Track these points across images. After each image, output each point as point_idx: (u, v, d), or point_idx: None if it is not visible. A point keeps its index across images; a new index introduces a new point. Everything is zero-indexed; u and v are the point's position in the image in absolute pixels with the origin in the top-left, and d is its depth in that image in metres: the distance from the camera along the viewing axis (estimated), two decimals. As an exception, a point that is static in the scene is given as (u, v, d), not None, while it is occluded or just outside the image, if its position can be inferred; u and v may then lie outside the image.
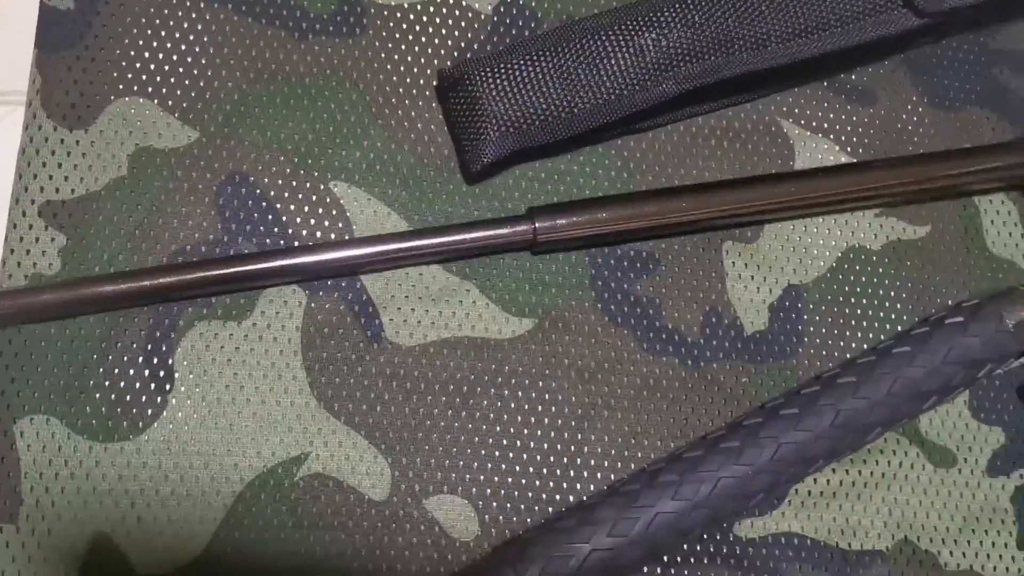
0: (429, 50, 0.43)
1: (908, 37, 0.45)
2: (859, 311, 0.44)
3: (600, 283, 0.42)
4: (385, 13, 0.43)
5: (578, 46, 0.40)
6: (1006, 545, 0.42)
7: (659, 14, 0.40)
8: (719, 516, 0.38)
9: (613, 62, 0.40)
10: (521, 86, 0.39)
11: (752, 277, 0.43)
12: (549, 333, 0.41)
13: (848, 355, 0.43)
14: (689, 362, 0.42)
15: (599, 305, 0.42)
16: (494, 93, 0.39)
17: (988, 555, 0.42)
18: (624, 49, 0.40)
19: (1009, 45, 0.48)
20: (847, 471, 0.41)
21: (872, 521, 0.41)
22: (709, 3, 0.41)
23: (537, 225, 0.40)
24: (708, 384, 0.42)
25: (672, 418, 0.41)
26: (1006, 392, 0.44)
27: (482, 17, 0.44)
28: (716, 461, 0.38)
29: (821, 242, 0.44)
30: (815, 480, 0.41)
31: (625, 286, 0.42)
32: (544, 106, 0.39)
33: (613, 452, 0.40)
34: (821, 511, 0.41)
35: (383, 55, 0.42)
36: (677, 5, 0.41)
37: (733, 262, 0.43)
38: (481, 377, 0.40)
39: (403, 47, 0.43)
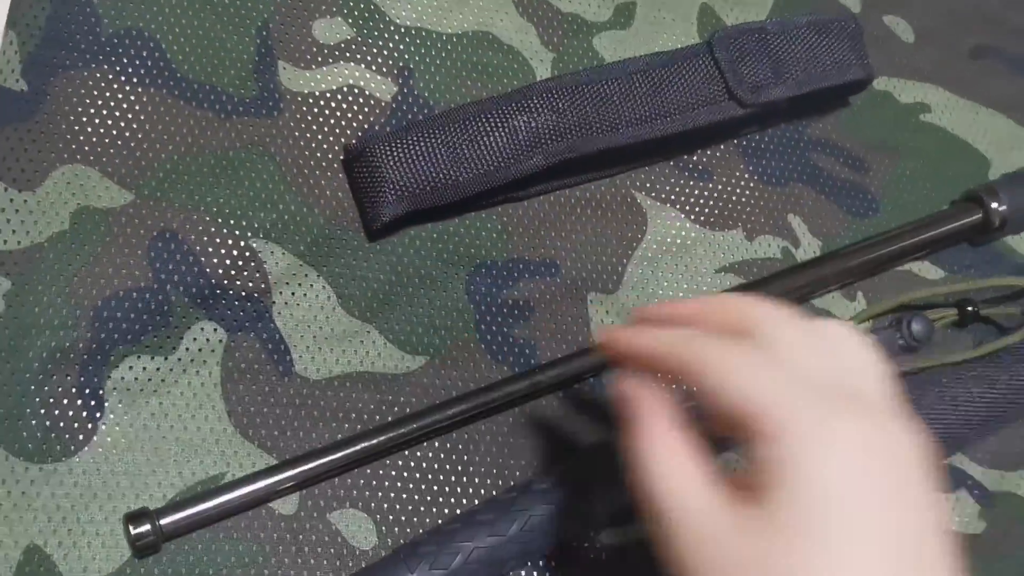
0: (336, 130, 0.50)
1: (738, 125, 0.55)
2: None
3: (483, 326, 0.49)
4: (299, 99, 0.50)
5: (463, 126, 0.48)
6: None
7: (529, 100, 0.48)
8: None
9: (491, 139, 0.48)
10: (414, 158, 0.47)
11: (613, 322, 0.50)
12: (439, 369, 0.48)
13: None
14: (560, 394, 0.49)
15: (483, 345, 0.49)
16: (391, 163, 0.47)
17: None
18: (500, 129, 0.48)
19: (820, 132, 0.58)
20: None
21: None
22: (572, 92, 0.49)
23: None
24: (579, 410, 0.49)
25: (545, 440, 0.48)
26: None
27: (383, 104, 0.51)
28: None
29: (671, 293, 0.52)
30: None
31: (505, 329, 0.49)
32: (434, 175, 0.47)
33: (495, 470, 0.47)
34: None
35: (296, 133, 0.49)
36: (545, 94, 0.49)
37: (596, 310, 0.51)
38: (380, 407, 0.46)
39: (314, 127, 0.50)
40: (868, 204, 0.57)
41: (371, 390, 0.46)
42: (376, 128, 0.50)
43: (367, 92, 0.51)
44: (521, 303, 0.50)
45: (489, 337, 0.49)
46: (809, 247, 0.55)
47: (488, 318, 0.49)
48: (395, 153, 0.47)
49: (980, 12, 0.64)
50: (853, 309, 0.54)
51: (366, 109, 0.51)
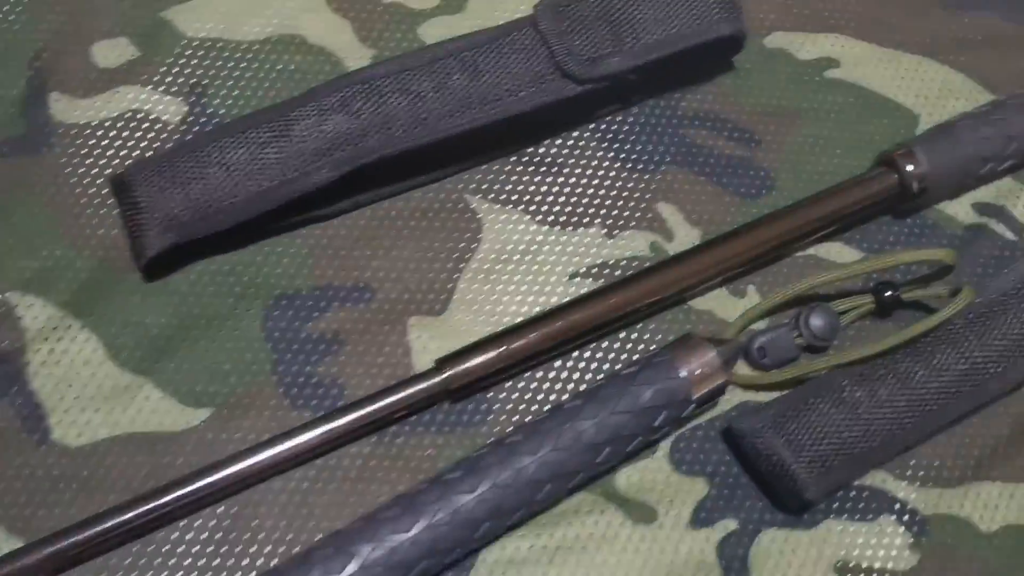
0: (115, 161, 0.45)
1: (590, 107, 0.47)
2: (552, 372, 0.44)
3: (282, 367, 0.42)
4: (72, 131, 0.45)
5: (237, 140, 0.42)
6: (712, 600, 0.41)
7: (319, 101, 0.42)
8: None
9: (271, 150, 0.41)
10: (182, 181, 0.41)
11: (438, 348, 0.43)
12: (226, 422, 0.41)
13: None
14: (373, 439, 0.42)
15: (280, 389, 0.42)
16: (154, 190, 0.41)
17: (693, 611, 0.40)
18: (280, 139, 0.42)
19: (698, 105, 0.49)
20: (538, 535, 0.41)
21: (568, 586, 0.40)
22: (369, 88, 0.43)
23: (448, 374, 0.41)
24: (392, 460, 0.42)
25: (354, 496, 0.41)
26: (709, 442, 0.43)
27: (171, 127, 0.46)
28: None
29: (513, 308, 0.45)
30: (503, 548, 0.40)
31: (308, 368, 0.43)
32: (205, 198, 0.41)
33: (289, 536, 0.40)
34: (511, 581, 0.40)
35: (68, 169, 0.44)
36: (334, 93, 0.42)
37: (419, 336, 0.43)
38: (155, 472, 0.40)
39: (88, 160, 0.45)
40: (761, 181, 0.48)
41: (144, 452, 0.40)
42: (161, 155, 0.45)
43: (152, 116, 0.46)
44: (329, 336, 0.43)
45: (289, 379, 0.42)
46: (686, 239, 0.47)
47: (288, 357, 0.43)
48: (158, 177, 0.41)
49: (900, -57, 0.55)
50: (743, 307, 0.46)
51: (151, 135, 0.46)
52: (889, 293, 0.45)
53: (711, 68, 0.50)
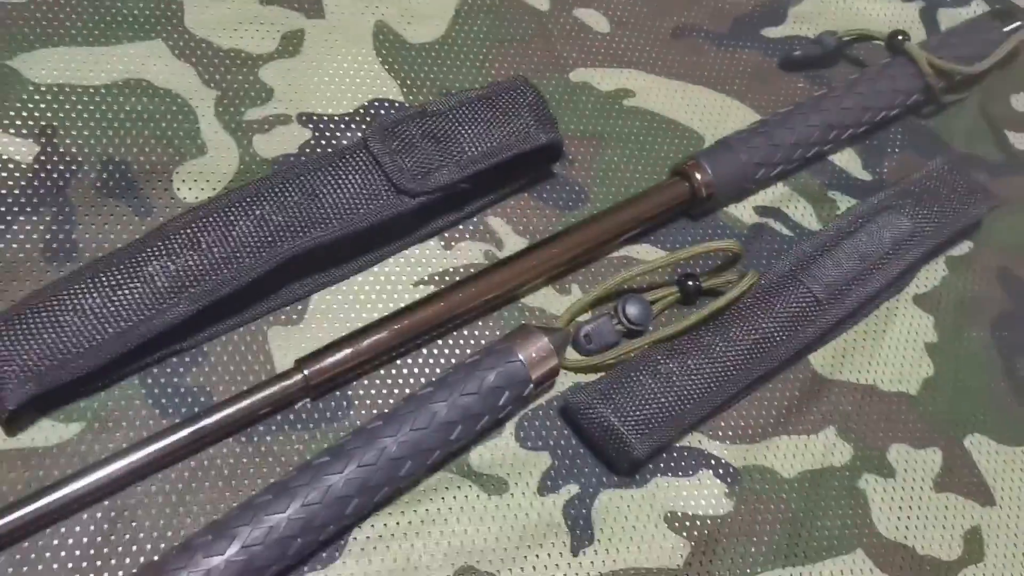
0: (-30, 200, 0.46)
1: (426, 217, 0.52)
2: (404, 368, 0.48)
3: (149, 379, 0.45)
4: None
5: (90, 283, 0.42)
6: (561, 555, 0.46)
7: (168, 241, 0.44)
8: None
9: (125, 291, 0.43)
10: (35, 330, 0.41)
11: (300, 355, 0.47)
12: (99, 433, 0.43)
13: (396, 409, 0.46)
14: (243, 439, 0.45)
15: (150, 400, 0.45)
16: (7, 342, 0.41)
17: (545, 566, 0.45)
18: (135, 279, 0.43)
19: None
20: (403, 512, 0.45)
21: (432, 556, 0.44)
22: (215, 222, 0.45)
23: (307, 372, 0.44)
24: (263, 456, 0.45)
25: (229, 492, 0.43)
26: (548, 419, 0.49)
27: (23, 166, 0.48)
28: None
29: (364, 315, 0.49)
30: (372, 525, 0.44)
31: (175, 379, 0.45)
32: (62, 346, 0.41)
33: (169, 534, 0.42)
34: (381, 554, 0.44)
35: (-79, 209, 0.46)
36: (183, 230, 0.44)
37: (279, 344, 0.47)
38: (28, 487, 0.42)
39: (-58, 200, 0.46)
40: (576, 195, 0.55)
41: (18, 468, 0.42)
42: (16, 192, 0.47)
43: (4, 157, 0.48)
44: (192, 350, 0.46)
45: (157, 390, 0.45)
46: (515, 247, 0.53)
47: (155, 370, 0.45)
48: (9, 330, 0.41)
49: (676, -6, 0.64)
50: (568, 303, 0.52)
51: (3, 175, 0.47)
52: (691, 283, 0.53)
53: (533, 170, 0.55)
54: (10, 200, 0.47)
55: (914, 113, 0.64)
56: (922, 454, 0.53)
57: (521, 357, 0.46)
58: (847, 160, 0.61)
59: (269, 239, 0.45)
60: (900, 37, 0.62)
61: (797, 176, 0.60)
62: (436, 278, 0.51)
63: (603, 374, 0.50)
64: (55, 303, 0.42)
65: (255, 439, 0.45)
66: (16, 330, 0.42)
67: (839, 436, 0.52)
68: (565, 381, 0.50)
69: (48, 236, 0.47)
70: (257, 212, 0.46)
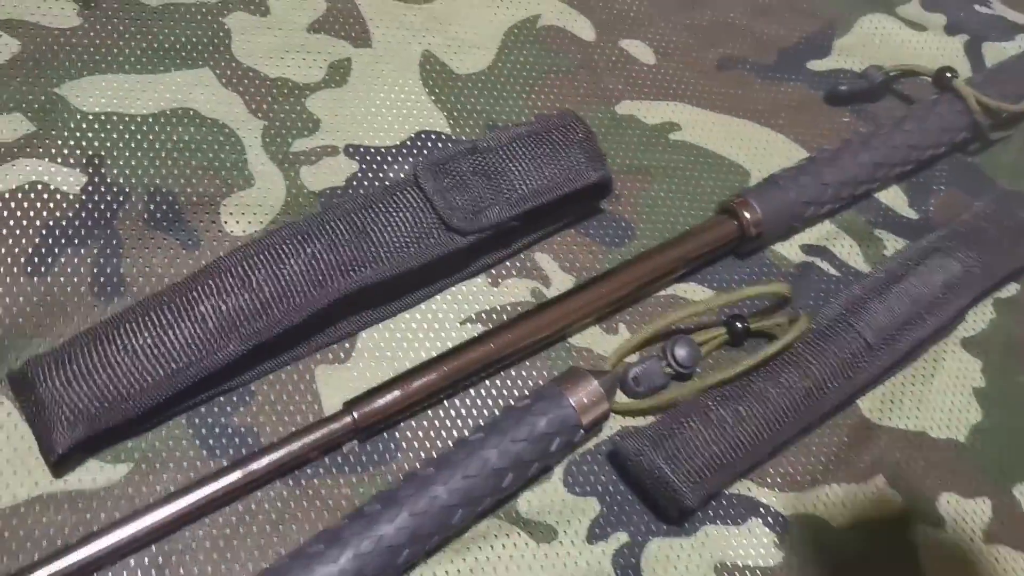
0: (17, 231, 0.46)
1: (475, 255, 0.51)
2: (452, 409, 0.47)
3: (197, 419, 0.44)
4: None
5: (141, 322, 0.42)
6: (610, 605, 0.45)
7: (219, 279, 0.43)
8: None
9: (177, 332, 0.42)
10: (85, 371, 0.41)
11: (345, 397, 0.46)
12: (147, 475, 0.43)
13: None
14: (290, 483, 0.44)
15: (197, 441, 0.44)
16: (58, 384, 0.40)
17: (595, 617, 0.44)
18: (185, 319, 0.42)
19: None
20: (452, 561, 0.44)
21: (482, 604, 0.43)
22: (266, 259, 0.44)
23: (356, 415, 0.44)
24: (310, 500, 0.44)
25: (277, 538, 0.43)
26: (597, 465, 0.48)
27: (70, 197, 0.47)
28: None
29: (412, 354, 0.48)
30: (422, 573, 0.43)
31: (223, 419, 0.45)
32: (112, 387, 0.41)
33: (208, 574, 0.41)
34: (428, 605, 0.43)
35: (-33, 241, 0.45)
36: (235, 268, 0.44)
37: (327, 383, 0.46)
38: (76, 531, 0.41)
39: (-11, 232, 0.45)
40: (623, 231, 0.54)
41: (65, 511, 0.41)
42: (66, 232, 0.46)
43: (52, 187, 0.47)
44: (240, 388, 0.45)
45: (204, 430, 0.44)
46: (562, 285, 0.52)
47: (202, 410, 0.44)
48: (60, 371, 0.41)
49: (723, 25, 0.63)
50: (617, 343, 0.51)
51: (51, 205, 0.47)
52: (739, 324, 0.52)
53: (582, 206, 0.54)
54: (58, 232, 0.46)
55: (960, 150, 0.63)
56: (971, 504, 0.52)
57: (572, 402, 0.45)
58: (893, 198, 0.60)
59: (320, 278, 0.45)
60: (948, 74, 0.61)
61: (843, 213, 0.59)
62: (483, 316, 0.50)
63: (652, 418, 0.49)
64: (106, 343, 0.42)
65: (303, 482, 0.44)
66: (67, 371, 0.41)
67: (889, 485, 0.51)
68: (613, 425, 0.49)
69: (96, 269, 0.46)
70: (308, 250, 0.45)
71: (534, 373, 0.49)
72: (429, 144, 0.53)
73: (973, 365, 0.56)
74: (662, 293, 0.53)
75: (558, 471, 0.47)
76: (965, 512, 0.52)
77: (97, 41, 0.51)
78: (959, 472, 0.53)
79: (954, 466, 0.53)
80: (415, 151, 0.53)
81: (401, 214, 0.47)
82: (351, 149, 0.52)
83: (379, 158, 0.52)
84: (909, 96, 0.64)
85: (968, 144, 0.63)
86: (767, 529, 0.48)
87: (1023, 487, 0.54)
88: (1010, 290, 0.59)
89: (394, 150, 0.53)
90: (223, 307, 0.43)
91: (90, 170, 0.48)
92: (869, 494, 0.51)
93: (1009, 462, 0.54)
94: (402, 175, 0.52)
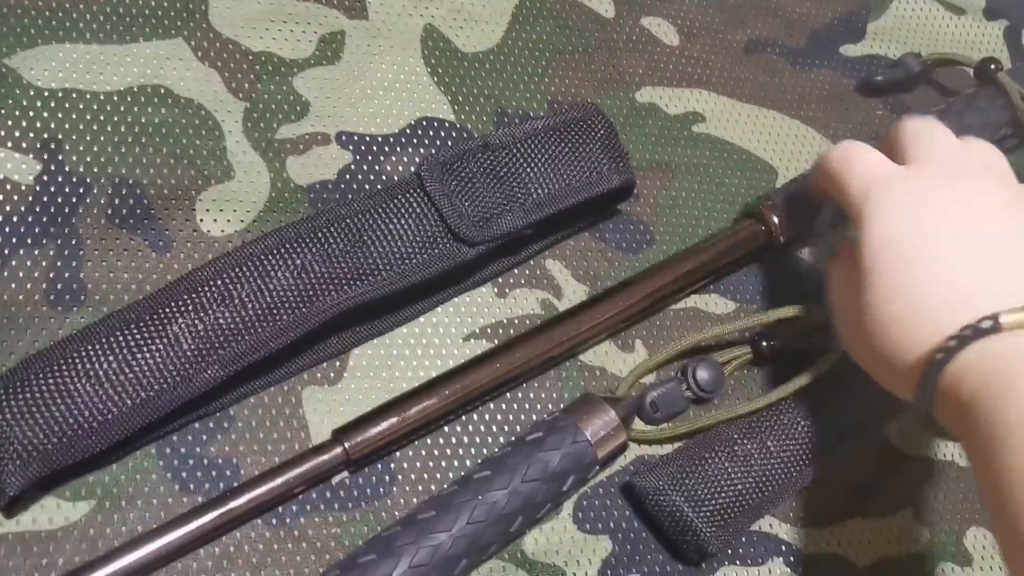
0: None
1: (481, 264, 0.45)
2: (452, 436, 0.43)
3: (168, 449, 0.39)
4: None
5: (106, 342, 0.37)
6: (621, 656, 0.41)
7: (196, 294, 0.38)
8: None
9: (146, 354, 0.37)
10: (41, 399, 0.35)
11: (336, 423, 0.41)
12: (111, 514, 0.38)
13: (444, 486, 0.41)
14: (274, 521, 0.39)
15: (168, 474, 0.39)
16: (8, 416, 0.35)
17: (606, 671, 0.41)
18: (156, 339, 0.37)
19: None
20: (452, 610, 0.40)
21: (483, 657, 0.39)
22: (248, 272, 0.39)
23: (347, 445, 0.39)
24: (296, 541, 0.39)
25: (258, 584, 0.38)
26: (610, 499, 0.44)
27: (23, 188, 0.41)
28: None
29: (410, 373, 0.43)
30: (417, 625, 0.39)
31: (197, 449, 0.40)
32: (72, 420, 0.36)
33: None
34: (428, 657, 0.39)
35: (-96, 239, 0.39)
36: (214, 281, 0.38)
37: (315, 408, 0.42)
38: (31, 574, 0.36)
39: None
40: (641, 235, 0.49)
41: (17, 555, 0.36)
42: (17, 226, 0.40)
43: (1, 177, 0.41)
44: (217, 415, 0.40)
45: (176, 462, 0.39)
46: (575, 296, 0.47)
47: (174, 438, 0.39)
48: (11, 401, 0.35)
49: (752, 2, 0.58)
50: (632, 362, 0.46)
51: (0, 199, 0.41)
52: (765, 344, 0.48)
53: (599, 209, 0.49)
54: (8, 229, 0.41)
55: (998, 147, 0.59)
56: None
57: (587, 435, 0.41)
58: (926, 200, 0.56)
59: (310, 293, 0.40)
60: (993, 66, 0.56)
61: (873, 217, 0.54)
62: (488, 331, 0.45)
63: (670, 449, 0.45)
64: (64, 368, 0.36)
65: (287, 520, 0.40)
66: (18, 400, 0.36)
67: (915, 519, 0.48)
68: (627, 454, 0.45)
69: (52, 274, 0.40)
70: (297, 261, 0.40)
71: (543, 395, 0.45)
72: (431, 132, 0.48)
73: (1006, 388, 0.52)
74: (680, 306, 0.49)
75: (567, 506, 0.43)
76: (993, 548, 0.49)
77: (54, 4, 0.44)
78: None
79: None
80: (415, 140, 0.47)
81: (402, 220, 0.42)
82: (344, 137, 0.47)
83: (375, 148, 0.47)
84: (946, 86, 0.59)
85: (1006, 141, 0.59)
86: (788, 569, 0.45)
87: (1053, 521, 0.50)
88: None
89: (392, 139, 0.47)
90: (200, 326, 0.38)
91: (45, 156, 0.42)
92: (895, 529, 0.47)
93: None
94: (400, 168, 0.46)
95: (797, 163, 0.54)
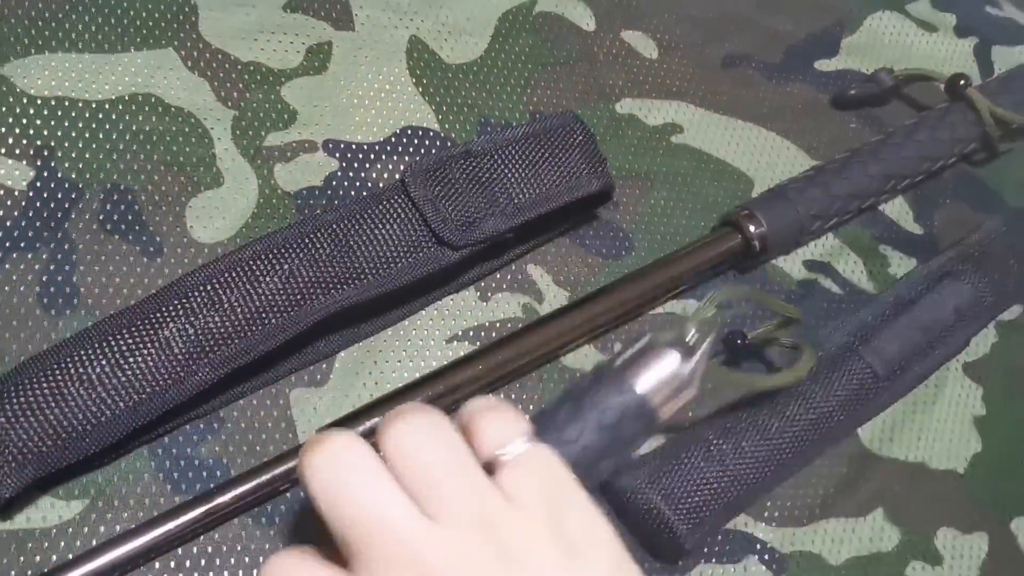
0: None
1: (465, 268, 0.47)
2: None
3: (160, 450, 0.40)
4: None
5: (99, 346, 0.37)
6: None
7: (186, 299, 0.39)
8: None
9: (138, 358, 0.38)
10: (36, 402, 0.36)
11: (324, 421, 0.42)
12: (103, 513, 0.39)
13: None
14: (263, 519, 0.40)
15: (160, 474, 0.40)
16: (3, 419, 0.36)
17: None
18: (148, 344, 0.38)
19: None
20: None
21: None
22: (238, 278, 0.40)
23: None
24: (282, 538, 0.40)
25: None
26: (590, 499, 0.45)
27: (16, 194, 0.42)
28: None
29: (394, 374, 0.44)
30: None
31: (188, 450, 0.41)
32: (66, 423, 0.36)
33: (179, 630, 0.38)
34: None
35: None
36: (204, 286, 0.39)
37: (302, 409, 0.42)
38: (23, 573, 0.37)
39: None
40: (621, 242, 0.51)
41: (11, 553, 0.37)
42: (8, 225, 0.41)
43: (-7, 181, 0.42)
44: (208, 415, 0.41)
45: (168, 463, 0.40)
46: (556, 300, 0.48)
47: (166, 440, 0.40)
48: (6, 404, 0.36)
49: (729, 18, 0.59)
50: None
51: (-7, 204, 0.42)
52: (739, 341, 0.49)
53: (578, 213, 0.50)
54: (1, 235, 0.42)
55: (966, 161, 0.61)
56: (969, 539, 0.50)
57: None
58: (898, 211, 0.57)
59: (298, 297, 0.41)
60: (962, 82, 0.58)
61: (847, 227, 0.56)
62: (471, 334, 0.46)
63: (647, 449, 0.46)
64: (58, 372, 0.37)
65: (276, 519, 0.40)
66: (13, 404, 0.37)
67: (887, 519, 0.49)
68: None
69: (45, 278, 0.41)
70: (285, 266, 0.41)
71: (524, 396, 0.46)
72: (416, 141, 0.49)
73: (975, 392, 0.54)
74: (659, 310, 0.50)
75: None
76: (962, 548, 0.50)
77: (47, 14, 0.45)
78: (957, 505, 0.51)
79: (952, 499, 0.51)
80: (400, 148, 0.49)
81: (387, 225, 0.43)
82: (331, 145, 0.48)
83: (361, 155, 0.48)
84: (917, 101, 0.61)
85: (975, 155, 0.61)
86: (763, 567, 0.46)
87: (1020, 521, 0.52)
88: (1013, 312, 0.57)
89: (377, 147, 0.48)
90: (190, 330, 0.39)
91: (38, 163, 0.43)
92: (867, 529, 0.49)
93: (1006, 494, 0.52)
94: (386, 175, 0.48)
95: (773, 174, 0.55)
